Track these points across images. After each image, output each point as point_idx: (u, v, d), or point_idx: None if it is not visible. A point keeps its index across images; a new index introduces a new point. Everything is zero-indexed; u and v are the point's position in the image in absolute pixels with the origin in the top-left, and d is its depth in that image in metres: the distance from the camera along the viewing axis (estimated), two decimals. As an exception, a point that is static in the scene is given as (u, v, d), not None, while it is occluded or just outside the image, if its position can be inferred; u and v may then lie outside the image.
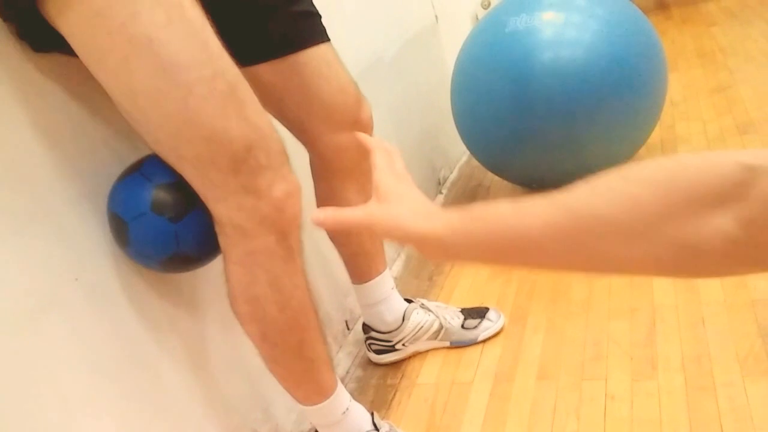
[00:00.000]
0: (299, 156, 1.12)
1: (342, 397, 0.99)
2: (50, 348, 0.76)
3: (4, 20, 0.74)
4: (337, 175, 1.10)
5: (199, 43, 0.72)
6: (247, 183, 0.76)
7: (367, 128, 1.08)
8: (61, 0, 0.68)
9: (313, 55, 0.99)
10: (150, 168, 0.82)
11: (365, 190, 1.13)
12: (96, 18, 0.68)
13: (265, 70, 0.98)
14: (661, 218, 0.39)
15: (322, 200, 1.15)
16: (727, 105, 1.95)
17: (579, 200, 0.44)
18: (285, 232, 0.81)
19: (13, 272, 0.73)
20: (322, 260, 1.34)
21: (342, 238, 1.19)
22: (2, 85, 0.75)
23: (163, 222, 0.81)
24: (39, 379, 0.74)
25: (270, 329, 0.87)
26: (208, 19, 0.76)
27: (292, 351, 0.89)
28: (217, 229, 0.81)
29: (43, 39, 0.74)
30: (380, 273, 1.23)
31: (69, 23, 0.70)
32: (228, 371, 1.04)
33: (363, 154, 1.09)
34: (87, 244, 0.83)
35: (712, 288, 1.21)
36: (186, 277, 0.98)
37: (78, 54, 0.73)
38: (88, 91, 0.83)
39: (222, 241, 0.82)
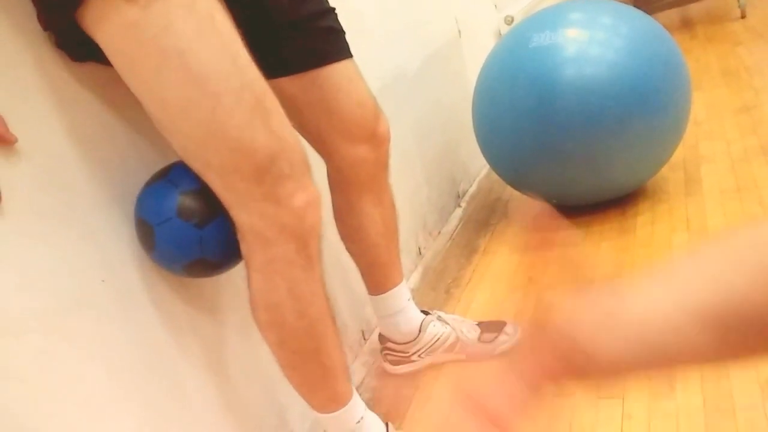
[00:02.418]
0: (319, 167, 1.14)
1: (357, 406, 1.00)
2: (75, 348, 0.78)
3: (45, 30, 0.77)
4: (354, 187, 1.12)
5: (228, 55, 0.74)
6: (270, 192, 0.78)
7: (384, 142, 1.10)
8: (99, 11, 0.71)
9: (336, 70, 1.01)
10: (177, 175, 0.84)
11: (382, 202, 1.15)
12: (130, 29, 0.71)
13: (288, 82, 1.00)
14: None
15: (339, 212, 1.17)
16: (752, 125, 1.93)
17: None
18: (304, 241, 0.83)
19: (43, 272, 0.75)
20: (341, 270, 1.36)
21: (358, 249, 1.20)
22: (41, 92, 0.78)
23: (189, 227, 0.83)
24: (63, 378, 0.76)
25: (288, 336, 0.88)
26: (238, 31, 0.78)
27: (310, 358, 0.90)
28: (239, 236, 0.83)
29: (81, 49, 0.77)
30: (396, 284, 1.24)
31: (105, 33, 0.73)
32: (245, 377, 1.06)
33: (380, 167, 1.11)
34: (114, 248, 0.85)
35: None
36: (208, 284, 1.00)
37: (112, 63, 0.75)
38: (120, 99, 0.86)
39: (243, 248, 0.84)
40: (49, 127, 0.78)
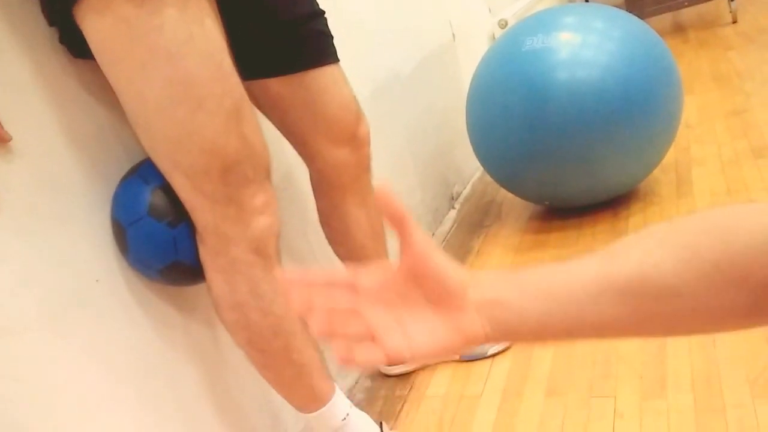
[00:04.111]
0: (304, 172, 1.14)
1: (340, 403, 1.00)
2: (71, 347, 0.78)
3: (50, 25, 0.78)
4: (337, 190, 1.13)
5: (214, 61, 0.76)
6: (233, 193, 0.80)
7: (365, 144, 1.11)
8: (95, 5, 0.72)
9: (323, 73, 1.03)
10: (147, 170, 0.83)
11: (366, 203, 1.16)
12: (122, 23, 0.72)
13: (275, 83, 1.01)
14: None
15: (325, 216, 1.18)
16: (743, 128, 1.95)
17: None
18: (264, 241, 0.85)
19: (39, 271, 0.76)
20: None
21: (345, 251, 1.20)
22: (37, 92, 0.78)
23: (161, 227, 0.82)
24: (59, 377, 0.76)
25: (255, 335, 0.89)
26: (227, 32, 0.79)
27: (280, 356, 0.91)
28: (199, 239, 0.85)
29: (82, 45, 0.77)
30: None
31: (94, 24, 0.73)
32: (239, 377, 1.06)
33: (361, 168, 1.12)
34: (109, 248, 0.86)
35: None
36: (201, 285, 1.00)
37: (95, 53, 0.76)
38: (116, 98, 0.86)
39: (202, 251, 0.85)
40: (45, 126, 0.79)
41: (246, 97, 0.82)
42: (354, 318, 0.42)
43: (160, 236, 0.82)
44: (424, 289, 0.43)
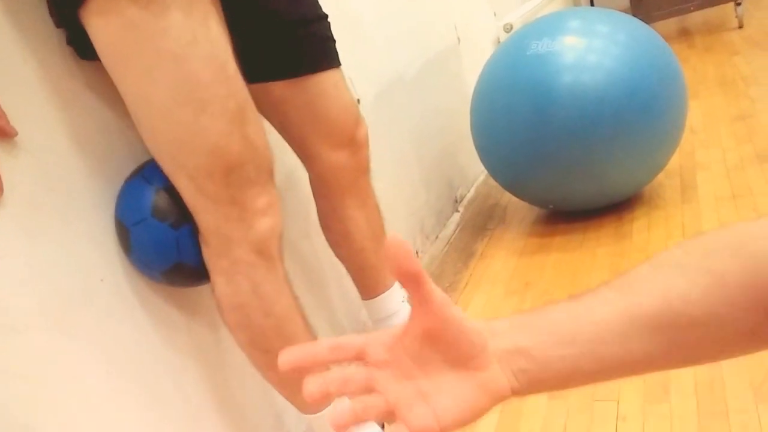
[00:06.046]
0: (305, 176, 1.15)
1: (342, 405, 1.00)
2: (74, 346, 0.79)
3: (58, 26, 0.78)
4: (336, 192, 1.13)
5: (219, 63, 0.77)
6: (236, 195, 0.81)
7: (363, 147, 1.12)
8: (101, 8, 0.72)
9: (325, 77, 1.03)
10: (151, 171, 0.83)
11: (366, 205, 1.16)
12: (128, 26, 0.72)
13: (277, 86, 1.02)
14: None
15: (325, 218, 1.18)
16: (748, 133, 1.95)
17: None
18: (266, 242, 0.85)
19: (43, 269, 0.76)
20: (336, 274, 1.36)
21: (346, 254, 1.21)
22: (44, 90, 0.79)
23: (164, 228, 0.82)
24: (62, 375, 0.76)
25: (257, 336, 0.89)
26: (231, 35, 0.80)
27: None
28: (202, 241, 0.85)
29: (89, 46, 0.78)
30: (388, 287, 1.24)
31: (99, 26, 0.74)
32: (242, 378, 1.06)
33: (360, 171, 1.12)
34: (114, 247, 0.86)
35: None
36: (204, 286, 1.01)
37: (100, 55, 0.77)
38: (121, 99, 0.87)
39: (206, 252, 0.85)
40: (51, 124, 0.79)
41: (250, 99, 0.82)
42: (372, 397, 0.39)
43: (163, 237, 0.82)
44: (441, 349, 0.40)
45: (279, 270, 0.88)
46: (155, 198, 0.82)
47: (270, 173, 0.85)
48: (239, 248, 0.83)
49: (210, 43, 0.76)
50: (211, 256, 0.85)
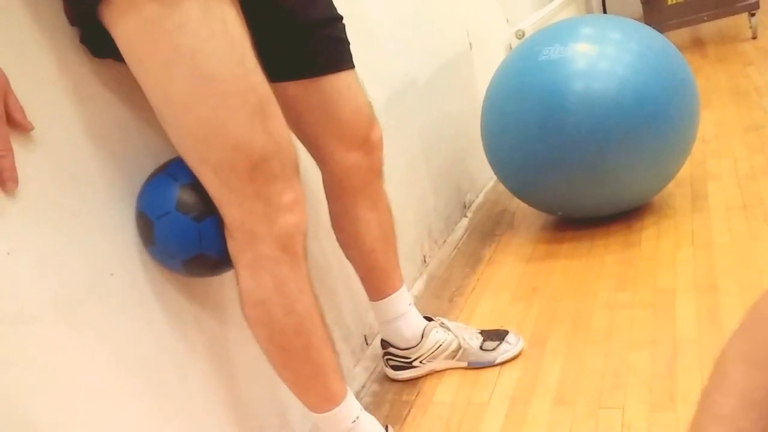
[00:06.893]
0: (318, 177, 1.16)
1: (352, 405, 1.00)
2: (83, 338, 0.79)
3: (72, 24, 0.80)
4: (349, 193, 1.14)
5: (237, 58, 0.77)
6: (261, 190, 0.81)
7: (377, 148, 1.12)
8: (119, 5, 0.73)
9: (339, 78, 1.04)
10: (176, 168, 0.86)
11: (378, 207, 1.16)
12: (146, 24, 0.73)
13: (291, 86, 1.03)
14: None
15: (336, 219, 1.19)
16: (760, 144, 1.94)
17: None
18: (291, 238, 0.85)
19: (55, 262, 0.77)
20: (344, 275, 1.37)
21: (356, 255, 1.21)
22: (60, 86, 0.80)
23: (187, 221, 0.84)
24: (70, 368, 0.77)
25: (276, 333, 0.90)
26: (249, 34, 0.80)
27: (299, 355, 0.92)
28: (227, 234, 0.86)
29: (102, 45, 0.79)
30: (396, 290, 1.25)
31: (122, 26, 0.75)
32: (248, 375, 1.07)
33: (373, 173, 1.13)
34: (125, 242, 0.87)
35: (734, 323, 1.19)
36: (214, 281, 1.02)
37: (124, 55, 0.78)
38: (136, 97, 0.88)
39: (231, 246, 0.86)
40: (65, 119, 0.80)
41: (271, 94, 0.82)
42: None
43: (186, 229, 0.84)
44: None
45: (302, 268, 0.89)
46: (179, 193, 0.84)
47: (295, 168, 0.85)
48: (263, 244, 0.84)
49: (228, 38, 0.76)
50: (236, 249, 0.86)
